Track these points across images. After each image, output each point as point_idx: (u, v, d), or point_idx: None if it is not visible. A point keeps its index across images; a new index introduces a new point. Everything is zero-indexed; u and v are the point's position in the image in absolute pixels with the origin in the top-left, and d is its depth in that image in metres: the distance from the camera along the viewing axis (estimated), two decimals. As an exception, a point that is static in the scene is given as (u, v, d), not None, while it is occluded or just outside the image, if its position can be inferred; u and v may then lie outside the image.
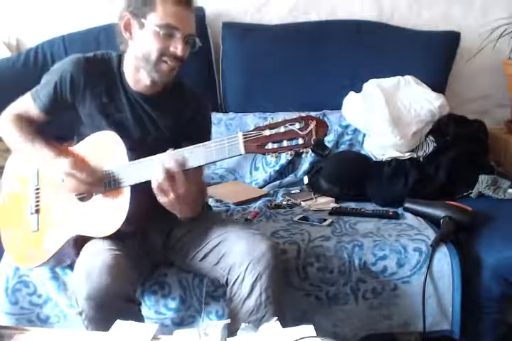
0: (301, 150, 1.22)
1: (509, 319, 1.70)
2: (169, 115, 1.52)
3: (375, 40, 2.35)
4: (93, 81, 1.49)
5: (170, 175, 1.30)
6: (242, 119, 2.31)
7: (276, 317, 1.14)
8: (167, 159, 1.31)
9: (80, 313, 1.30)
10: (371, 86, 2.22)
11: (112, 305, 1.28)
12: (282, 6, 2.43)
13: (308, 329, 1.07)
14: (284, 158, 2.21)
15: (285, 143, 1.21)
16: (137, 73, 1.47)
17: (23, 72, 2.24)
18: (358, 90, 2.25)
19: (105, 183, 1.40)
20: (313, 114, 2.25)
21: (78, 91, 1.49)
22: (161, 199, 1.34)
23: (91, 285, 1.27)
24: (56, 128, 1.54)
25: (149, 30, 1.38)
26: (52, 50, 2.28)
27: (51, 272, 1.58)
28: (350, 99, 2.25)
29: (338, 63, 2.34)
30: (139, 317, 1.36)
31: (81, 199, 1.47)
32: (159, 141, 1.49)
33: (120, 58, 1.51)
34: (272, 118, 2.30)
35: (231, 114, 2.35)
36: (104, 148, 1.45)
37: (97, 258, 1.33)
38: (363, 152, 2.24)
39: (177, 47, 1.38)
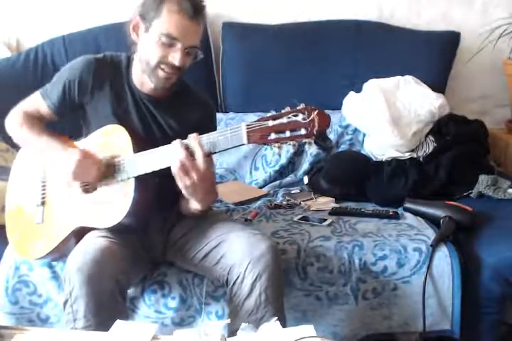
0: (303, 141, 1.21)
1: (509, 319, 1.70)
2: (175, 117, 1.53)
3: (375, 40, 2.35)
4: (101, 82, 1.51)
5: (190, 153, 1.30)
6: (242, 119, 2.30)
7: (276, 317, 1.14)
8: (189, 139, 1.32)
9: (70, 294, 1.29)
10: (371, 86, 2.21)
11: (102, 282, 1.29)
12: (282, 6, 2.43)
13: (308, 329, 1.07)
14: (285, 152, 2.20)
15: (288, 134, 1.21)
16: (143, 75, 1.48)
17: (23, 72, 2.24)
18: (358, 90, 2.25)
19: (113, 174, 1.42)
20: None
21: (86, 91, 1.51)
22: (184, 182, 1.32)
23: (84, 259, 1.31)
24: (64, 130, 1.57)
25: (152, 36, 1.39)
26: (52, 50, 2.28)
27: (51, 272, 1.58)
28: (350, 99, 2.25)
29: (338, 63, 2.34)
30: (124, 316, 1.35)
31: (85, 192, 1.48)
32: (164, 142, 1.49)
33: (129, 59, 1.52)
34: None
35: (231, 114, 2.35)
36: (110, 140, 1.46)
37: (95, 241, 1.37)
38: (363, 152, 2.24)
39: (175, 57, 1.39)
